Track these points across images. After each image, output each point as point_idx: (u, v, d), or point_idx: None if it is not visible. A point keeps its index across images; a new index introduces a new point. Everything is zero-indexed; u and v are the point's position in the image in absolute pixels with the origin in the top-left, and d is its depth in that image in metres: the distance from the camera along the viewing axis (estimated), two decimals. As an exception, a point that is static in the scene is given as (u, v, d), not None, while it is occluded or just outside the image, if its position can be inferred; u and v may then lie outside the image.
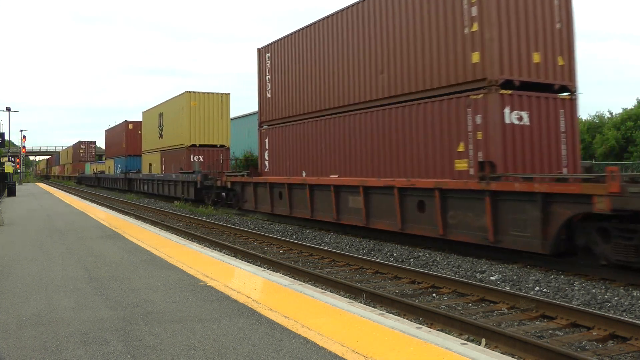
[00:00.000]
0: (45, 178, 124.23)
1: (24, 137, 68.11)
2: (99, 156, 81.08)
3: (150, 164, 38.84)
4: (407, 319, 7.19)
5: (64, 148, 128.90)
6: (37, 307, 5.85)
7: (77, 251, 9.97)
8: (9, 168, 44.07)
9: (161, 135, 36.01)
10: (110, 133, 55.61)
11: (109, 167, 54.55)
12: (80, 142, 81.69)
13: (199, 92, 31.27)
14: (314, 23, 17.88)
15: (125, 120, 46.79)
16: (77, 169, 79.71)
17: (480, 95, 11.63)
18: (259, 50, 21.42)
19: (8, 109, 56.13)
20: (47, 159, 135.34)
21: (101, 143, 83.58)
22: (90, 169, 69.16)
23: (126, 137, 46.02)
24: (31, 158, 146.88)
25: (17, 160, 57.51)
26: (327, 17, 17.11)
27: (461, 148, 12.01)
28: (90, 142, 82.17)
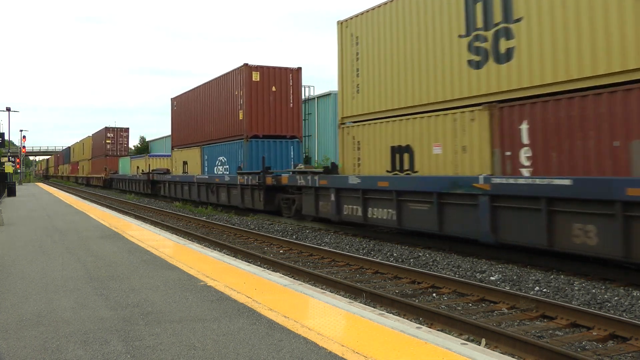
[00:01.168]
0: (46, 179, 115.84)
1: (24, 137, 68.12)
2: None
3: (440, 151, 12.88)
4: (407, 319, 7.19)
5: (57, 150, 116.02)
6: (37, 307, 5.85)
7: (77, 251, 9.97)
8: (9, 168, 44.06)
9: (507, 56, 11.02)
10: (188, 100, 30.45)
11: (184, 162, 30.77)
12: (106, 130, 58.42)
13: None
14: None
15: (245, 64, 22.92)
16: (101, 168, 56.45)
17: None
18: None
19: (8, 109, 56.16)
20: (50, 158, 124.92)
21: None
22: (131, 167, 47.10)
23: (246, 100, 22.83)
24: (31, 158, 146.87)
25: (17, 160, 57.49)
26: None
27: None
28: (122, 128, 59.71)
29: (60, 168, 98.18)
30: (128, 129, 60.22)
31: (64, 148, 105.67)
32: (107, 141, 57.42)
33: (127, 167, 49.30)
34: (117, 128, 59.63)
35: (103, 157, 57.17)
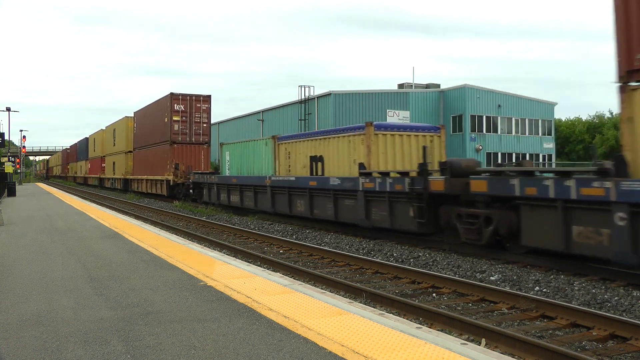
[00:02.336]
0: (46, 179, 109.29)
1: (24, 137, 68.13)
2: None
3: None
4: (407, 319, 7.19)
5: (57, 150, 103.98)
6: (37, 307, 5.85)
7: (77, 251, 9.97)
8: (9, 168, 44.07)
9: None
10: None
11: None
12: (171, 98, 33.02)
13: None
14: None
15: None
16: (162, 164, 33.46)
17: None
18: None
19: (8, 109, 56.17)
20: (52, 157, 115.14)
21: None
22: (279, 160, 21.44)
23: None
24: (31, 158, 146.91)
25: (17, 160, 57.50)
26: None
27: None
28: (198, 96, 33.74)
29: (72, 167, 76.20)
30: (209, 97, 33.39)
31: (64, 148, 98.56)
32: (174, 118, 32.55)
33: (254, 160, 23.30)
34: (191, 95, 33.10)
35: (167, 146, 32.60)
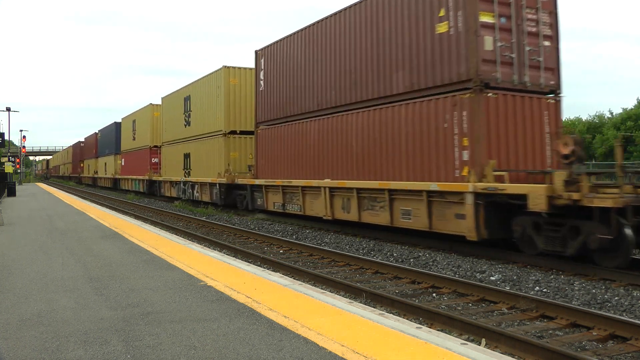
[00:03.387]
0: (46, 179, 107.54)
1: (24, 137, 68.14)
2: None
3: None
4: (407, 319, 7.19)
5: (57, 150, 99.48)
6: (37, 307, 5.85)
7: (77, 251, 9.97)
8: (9, 168, 44.07)
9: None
10: None
11: None
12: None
13: None
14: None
15: None
16: (441, 150, 12.07)
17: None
18: None
19: (8, 109, 56.18)
20: (55, 156, 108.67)
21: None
22: None
23: None
24: (31, 158, 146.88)
25: (17, 160, 57.46)
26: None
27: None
28: None
29: (89, 165, 58.70)
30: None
31: (64, 148, 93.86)
32: (484, 19, 11.54)
33: None
34: None
35: (469, 96, 11.51)
